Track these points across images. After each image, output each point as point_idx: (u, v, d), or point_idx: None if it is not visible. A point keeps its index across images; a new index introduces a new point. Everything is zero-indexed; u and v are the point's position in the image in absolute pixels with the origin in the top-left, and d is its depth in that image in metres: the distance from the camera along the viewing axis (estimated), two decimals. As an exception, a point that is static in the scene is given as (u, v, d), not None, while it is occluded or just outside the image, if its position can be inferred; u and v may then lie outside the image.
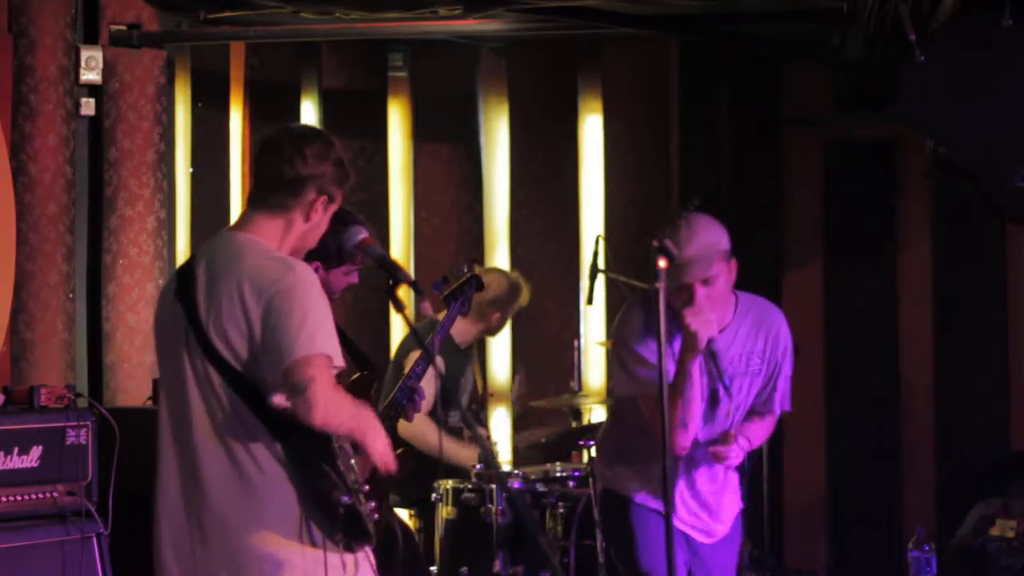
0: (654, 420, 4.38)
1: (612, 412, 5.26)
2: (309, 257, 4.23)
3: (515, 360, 8.02)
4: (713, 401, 4.66)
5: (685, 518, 4.77)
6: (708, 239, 4.55)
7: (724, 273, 4.60)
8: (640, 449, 4.70)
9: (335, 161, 3.81)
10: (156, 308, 3.94)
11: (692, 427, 4.56)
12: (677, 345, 4.59)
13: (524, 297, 7.04)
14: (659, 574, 4.55)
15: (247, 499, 3.65)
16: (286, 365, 3.57)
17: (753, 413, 4.79)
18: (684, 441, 4.57)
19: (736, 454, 4.66)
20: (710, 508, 4.80)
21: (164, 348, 3.84)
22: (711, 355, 4.53)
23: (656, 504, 4.65)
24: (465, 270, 5.68)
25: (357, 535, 3.71)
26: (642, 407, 4.60)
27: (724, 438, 4.66)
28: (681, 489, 4.74)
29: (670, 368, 4.48)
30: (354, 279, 4.91)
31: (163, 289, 3.95)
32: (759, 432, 4.82)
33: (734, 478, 4.88)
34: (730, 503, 4.87)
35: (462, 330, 6.71)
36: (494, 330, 7.03)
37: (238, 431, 3.66)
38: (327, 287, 4.79)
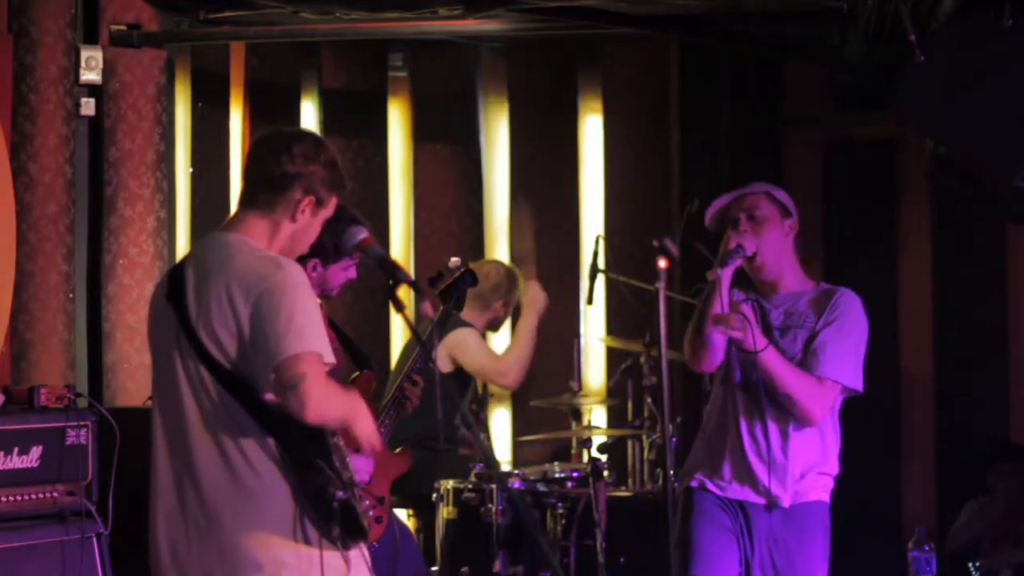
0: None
1: None
2: (306, 255, 4.24)
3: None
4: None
5: (741, 479, 4.78)
6: (763, 184, 4.90)
7: (775, 219, 4.80)
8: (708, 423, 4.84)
9: (325, 163, 3.80)
10: (149, 310, 3.94)
11: (710, 338, 4.66)
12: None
13: (523, 286, 7.08)
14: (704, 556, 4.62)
15: (242, 498, 3.65)
16: (276, 363, 3.57)
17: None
18: (708, 359, 4.71)
19: (738, 323, 4.64)
20: (775, 466, 4.77)
21: (156, 349, 3.85)
22: (739, 251, 4.67)
23: (709, 484, 4.77)
24: (458, 265, 5.69)
25: (352, 531, 3.70)
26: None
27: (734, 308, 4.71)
28: (743, 443, 4.78)
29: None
30: (352, 274, 4.92)
31: (154, 291, 3.95)
32: (795, 376, 4.76)
33: (815, 443, 4.87)
34: (802, 470, 4.84)
35: (470, 321, 6.75)
36: (499, 320, 7.04)
37: (231, 430, 3.66)
38: (325, 284, 4.79)
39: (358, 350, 5.07)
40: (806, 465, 4.82)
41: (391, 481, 5.26)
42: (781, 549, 4.78)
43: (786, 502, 4.79)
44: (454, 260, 5.63)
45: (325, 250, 4.66)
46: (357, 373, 4.96)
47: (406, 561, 5.42)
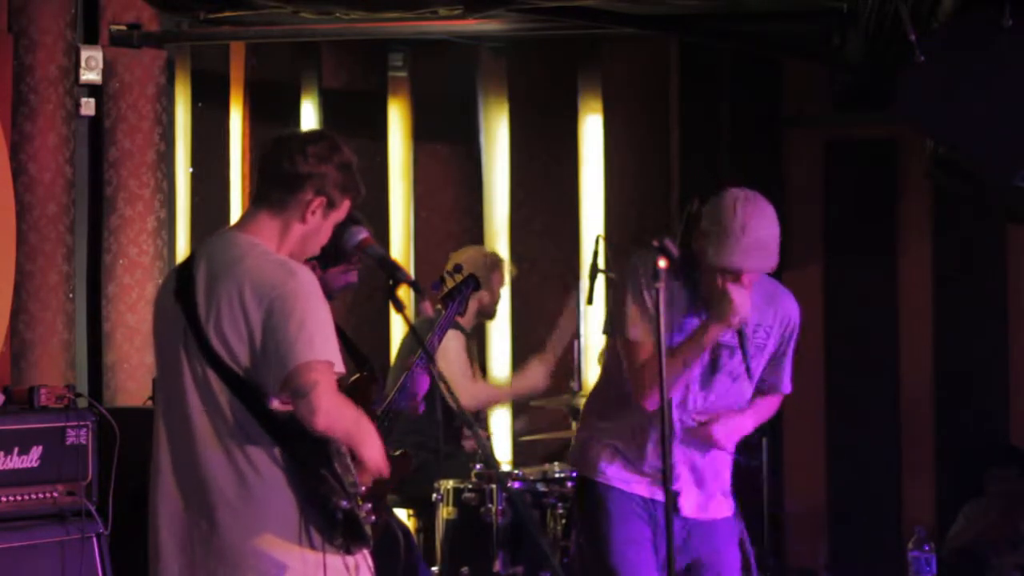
0: (641, 375, 4.37)
1: (600, 376, 4.90)
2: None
3: (515, 359, 8.02)
4: (712, 367, 4.54)
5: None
6: (775, 229, 4.42)
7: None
8: (618, 411, 4.58)
9: (339, 165, 3.78)
10: (154, 306, 3.94)
11: (672, 391, 4.36)
12: (689, 325, 4.45)
13: (505, 272, 7.06)
14: (630, 563, 4.49)
15: (246, 502, 3.64)
16: (288, 370, 3.57)
17: (758, 392, 4.67)
18: (654, 401, 4.35)
19: (721, 434, 4.51)
20: (701, 476, 4.63)
21: (161, 348, 3.84)
22: (740, 335, 4.41)
23: (624, 481, 4.56)
24: (460, 272, 5.70)
25: (355, 538, 3.70)
26: (629, 357, 4.44)
27: (711, 418, 4.53)
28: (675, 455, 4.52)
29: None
30: (352, 279, 4.90)
31: (161, 287, 3.94)
32: (764, 409, 4.70)
33: (727, 458, 4.72)
34: (722, 479, 4.70)
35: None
36: (487, 308, 6.99)
37: (237, 435, 3.65)
38: (324, 287, 4.78)
39: (358, 352, 5.07)
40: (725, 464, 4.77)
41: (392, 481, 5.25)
42: None
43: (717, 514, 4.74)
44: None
45: (325, 253, 4.65)
46: (357, 375, 4.96)
47: (407, 562, 5.41)
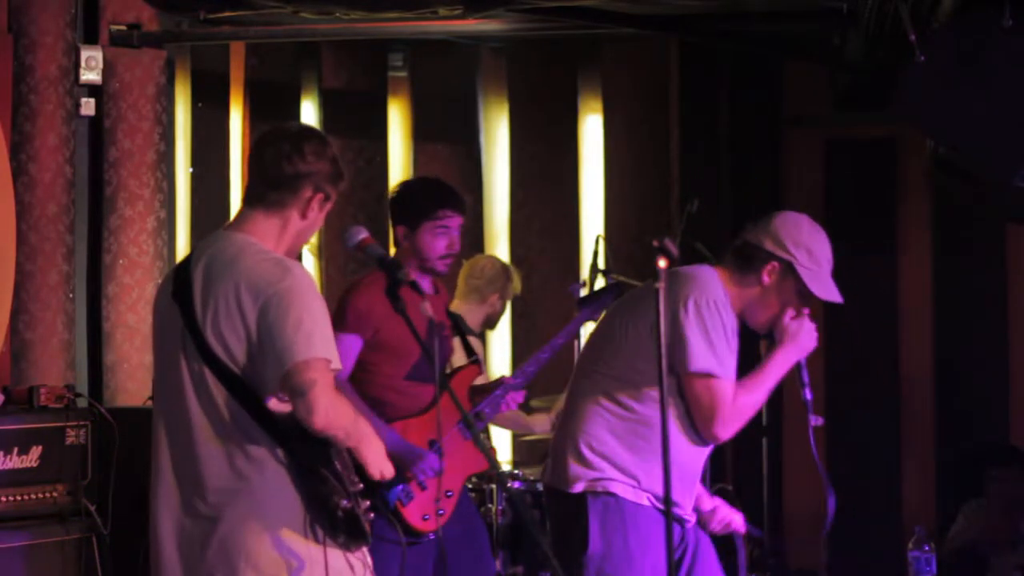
0: (735, 411, 4.34)
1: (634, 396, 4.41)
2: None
3: (515, 360, 8.02)
4: None
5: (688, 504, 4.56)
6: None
7: None
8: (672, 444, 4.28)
9: (331, 159, 3.82)
10: (153, 308, 3.94)
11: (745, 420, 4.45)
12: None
13: (517, 283, 7.07)
14: None
15: (245, 501, 3.64)
16: (286, 369, 3.57)
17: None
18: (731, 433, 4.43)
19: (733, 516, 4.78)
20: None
21: (160, 348, 3.84)
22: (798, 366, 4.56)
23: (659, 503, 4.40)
24: (609, 280, 5.73)
25: (356, 537, 3.71)
26: (719, 394, 4.34)
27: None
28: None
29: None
30: (452, 239, 4.97)
31: (159, 289, 3.95)
32: None
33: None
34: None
35: (469, 318, 6.75)
36: (496, 315, 7.02)
37: (236, 434, 3.65)
38: (420, 253, 4.94)
39: (468, 342, 5.09)
40: None
41: (467, 476, 5.22)
42: None
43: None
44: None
45: (407, 214, 4.71)
46: (464, 364, 4.99)
47: (475, 553, 5.26)
